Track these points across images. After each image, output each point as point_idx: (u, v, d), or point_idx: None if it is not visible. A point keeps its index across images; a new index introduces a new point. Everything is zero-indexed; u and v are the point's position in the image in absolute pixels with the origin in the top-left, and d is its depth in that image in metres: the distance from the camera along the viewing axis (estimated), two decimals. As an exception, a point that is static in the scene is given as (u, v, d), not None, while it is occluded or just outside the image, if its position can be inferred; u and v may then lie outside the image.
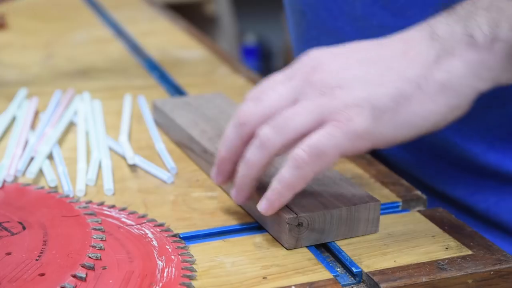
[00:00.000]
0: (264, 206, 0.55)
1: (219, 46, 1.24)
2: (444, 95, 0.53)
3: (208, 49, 1.08)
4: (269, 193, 0.54)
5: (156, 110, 0.79)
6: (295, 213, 0.54)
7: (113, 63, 1.02)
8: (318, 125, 0.53)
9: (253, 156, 0.55)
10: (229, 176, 0.58)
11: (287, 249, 0.55)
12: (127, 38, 1.14)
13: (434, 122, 0.54)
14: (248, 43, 2.86)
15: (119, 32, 1.18)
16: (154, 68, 1.00)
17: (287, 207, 0.55)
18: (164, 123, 0.77)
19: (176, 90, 0.91)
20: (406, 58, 0.54)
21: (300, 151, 0.52)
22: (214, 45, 1.12)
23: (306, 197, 0.56)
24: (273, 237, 0.57)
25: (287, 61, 2.64)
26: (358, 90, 0.53)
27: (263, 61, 2.91)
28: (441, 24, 0.55)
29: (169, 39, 1.15)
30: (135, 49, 1.09)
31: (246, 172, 0.55)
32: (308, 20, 0.78)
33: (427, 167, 0.76)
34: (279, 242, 0.56)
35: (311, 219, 0.55)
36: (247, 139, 0.56)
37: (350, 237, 0.56)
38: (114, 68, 0.99)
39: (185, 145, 0.72)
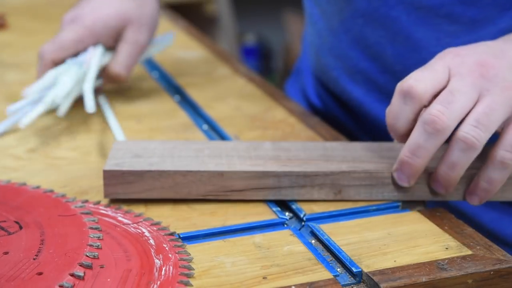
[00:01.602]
0: (477, 202, 0.60)
1: (219, 46, 1.24)
2: None
3: (208, 49, 1.08)
4: (481, 193, 0.59)
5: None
6: None
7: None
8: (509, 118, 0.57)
9: (460, 159, 0.57)
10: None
11: None
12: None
13: None
14: (248, 43, 2.86)
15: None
16: (154, 68, 0.99)
17: None
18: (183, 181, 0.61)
19: (176, 90, 0.91)
20: None
21: (506, 153, 0.56)
22: (214, 45, 1.12)
23: None
24: None
25: (287, 61, 2.64)
26: None
27: (263, 61, 2.90)
28: None
29: (169, 39, 1.15)
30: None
31: (453, 174, 0.58)
32: (355, 8, 0.77)
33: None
34: None
35: None
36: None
37: None
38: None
39: (251, 187, 0.61)
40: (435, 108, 0.56)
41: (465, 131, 0.56)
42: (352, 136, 0.85)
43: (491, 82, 0.57)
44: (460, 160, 0.57)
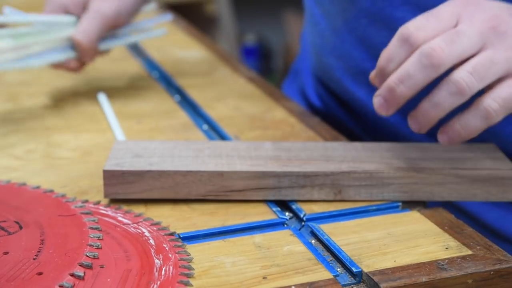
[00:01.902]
0: (445, 140, 0.58)
1: (219, 46, 1.24)
2: None
3: (208, 49, 1.08)
4: (453, 134, 0.57)
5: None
6: None
7: (113, 63, 1.01)
8: (506, 76, 0.55)
9: (445, 101, 0.55)
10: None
11: None
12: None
13: None
14: (248, 43, 2.86)
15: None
16: (154, 68, 0.99)
17: None
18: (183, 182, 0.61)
19: (176, 90, 0.91)
20: None
21: (493, 102, 0.55)
22: (214, 45, 1.12)
23: None
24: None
25: (287, 61, 2.64)
26: None
27: (263, 61, 2.90)
28: None
29: (169, 39, 1.15)
30: (135, 49, 1.08)
31: (434, 114, 0.56)
32: (359, 8, 0.77)
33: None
34: None
35: None
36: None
37: None
38: (114, 68, 0.99)
39: (253, 187, 0.62)
40: (437, 43, 0.55)
41: (460, 75, 0.55)
42: (352, 136, 0.85)
43: (499, 38, 0.56)
44: (444, 102, 0.56)
